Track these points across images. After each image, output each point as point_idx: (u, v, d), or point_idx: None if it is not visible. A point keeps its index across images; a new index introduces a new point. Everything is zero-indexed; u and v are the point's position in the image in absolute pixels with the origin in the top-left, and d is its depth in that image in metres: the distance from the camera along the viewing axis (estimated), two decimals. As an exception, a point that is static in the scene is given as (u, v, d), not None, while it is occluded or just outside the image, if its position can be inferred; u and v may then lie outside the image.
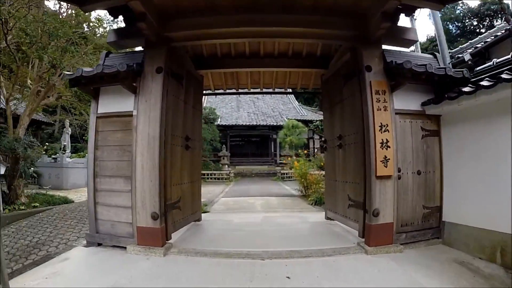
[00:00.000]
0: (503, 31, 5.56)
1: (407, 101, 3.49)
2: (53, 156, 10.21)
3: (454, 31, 25.89)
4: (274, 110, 22.52)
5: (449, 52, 6.53)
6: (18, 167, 5.77)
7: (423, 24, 53.52)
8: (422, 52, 6.81)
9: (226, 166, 16.04)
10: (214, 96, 19.51)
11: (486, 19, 23.95)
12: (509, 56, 3.23)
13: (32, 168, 6.95)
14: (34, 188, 8.04)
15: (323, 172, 6.35)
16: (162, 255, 3.09)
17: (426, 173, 3.51)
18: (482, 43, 6.09)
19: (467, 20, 25.57)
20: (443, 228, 3.47)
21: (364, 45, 3.45)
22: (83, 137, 14.16)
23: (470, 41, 7.13)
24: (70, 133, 11.02)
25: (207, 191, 9.36)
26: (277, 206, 6.75)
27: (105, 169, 3.53)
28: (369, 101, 3.30)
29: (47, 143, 11.55)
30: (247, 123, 19.61)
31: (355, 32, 3.51)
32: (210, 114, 16.35)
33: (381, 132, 3.25)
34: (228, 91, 6.28)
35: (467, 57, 5.86)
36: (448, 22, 25.24)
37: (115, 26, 6.94)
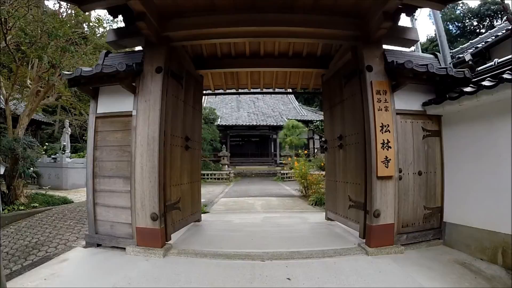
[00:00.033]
0: (504, 31, 5.56)
1: (408, 101, 3.47)
2: (52, 156, 10.18)
3: (454, 31, 25.92)
4: (274, 110, 22.53)
5: (450, 52, 6.52)
6: (18, 167, 5.74)
7: (424, 24, 53.56)
8: (422, 53, 6.79)
9: (226, 166, 16.02)
10: (214, 96, 19.55)
11: (486, 19, 23.99)
12: (511, 56, 3.21)
13: (32, 168, 6.91)
14: (34, 188, 8.01)
15: (323, 173, 6.34)
16: (161, 256, 3.07)
17: (427, 173, 3.49)
18: (483, 43, 6.08)
19: (467, 20, 25.60)
20: (444, 229, 3.46)
21: (365, 45, 3.44)
22: (83, 137, 14.14)
23: (470, 41, 7.13)
24: (70, 133, 10.98)
25: (207, 191, 9.35)
26: (277, 206, 6.73)
27: (104, 169, 3.51)
28: (370, 101, 3.28)
29: (46, 143, 11.54)
30: (247, 123, 19.61)
31: (356, 32, 3.49)
32: (210, 114, 16.35)
33: (382, 133, 3.23)
34: (228, 91, 6.26)
35: (467, 57, 5.85)
36: (448, 22, 25.27)
37: (115, 26, 6.91)
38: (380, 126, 3.23)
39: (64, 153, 10.04)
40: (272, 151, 21.21)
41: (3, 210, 5.22)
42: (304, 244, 3.46)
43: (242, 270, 2.75)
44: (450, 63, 5.38)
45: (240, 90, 6.34)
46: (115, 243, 3.36)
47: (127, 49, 4.45)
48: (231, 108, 22.18)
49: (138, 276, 2.64)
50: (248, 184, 12.67)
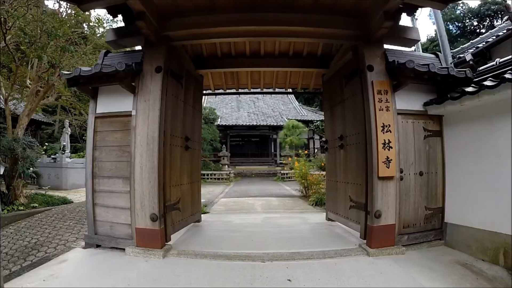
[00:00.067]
0: (505, 31, 5.54)
1: (409, 101, 3.46)
2: (52, 156, 10.16)
3: (454, 31, 25.92)
4: (274, 110, 22.51)
5: (451, 52, 6.50)
6: (17, 167, 5.72)
7: (424, 24, 53.55)
8: (422, 52, 6.78)
9: (226, 166, 16.00)
10: (214, 96, 19.53)
11: (486, 19, 23.99)
12: (512, 55, 3.20)
13: (31, 168, 6.89)
14: (33, 188, 7.99)
15: (324, 173, 6.32)
16: (161, 257, 3.06)
17: (428, 174, 3.48)
18: (484, 43, 6.07)
19: (467, 20, 25.61)
20: (445, 229, 3.44)
21: (365, 45, 3.42)
22: (83, 137, 14.11)
23: (471, 41, 7.12)
24: (69, 133, 10.96)
25: (207, 191, 9.33)
26: (277, 206, 6.72)
27: (103, 169, 3.50)
28: (371, 101, 3.27)
29: (46, 143, 11.50)
30: (247, 123, 19.60)
31: (356, 31, 3.48)
32: (210, 114, 16.34)
33: (383, 133, 3.21)
34: (228, 91, 6.24)
35: (468, 57, 5.84)
36: (448, 22, 25.27)
37: (114, 26, 6.90)
38: (381, 126, 3.22)
39: (64, 153, 10.02)
40: (272, 151, 21.20)
41: (2, 210, 5.21)
42: (304, 244, 3.44)
43: (242, 271, 2.73)
44: (451, 63, 5.36)
45: (240, 90, 6.32)
46: (114, 243, 3.34)
47: (126, 49, 4.43)
48: (231, 108, 22.17)
49: (138, 277, 2.63)
50: (248, 184, 12.65)
